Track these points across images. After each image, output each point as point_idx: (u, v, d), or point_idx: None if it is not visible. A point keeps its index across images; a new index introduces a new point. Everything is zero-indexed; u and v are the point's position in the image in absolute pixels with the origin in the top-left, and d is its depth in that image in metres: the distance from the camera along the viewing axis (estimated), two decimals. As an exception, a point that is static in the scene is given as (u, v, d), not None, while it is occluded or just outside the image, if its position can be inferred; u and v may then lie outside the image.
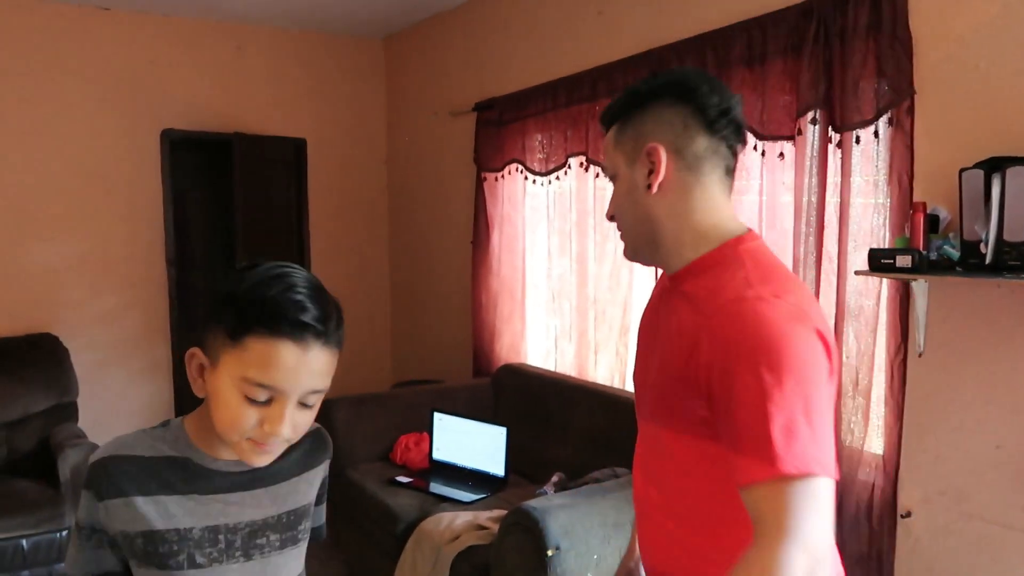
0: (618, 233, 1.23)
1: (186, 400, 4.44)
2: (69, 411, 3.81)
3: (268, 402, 1.00)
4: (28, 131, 3.99)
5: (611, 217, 1.23)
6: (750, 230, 1.17)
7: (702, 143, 1.13)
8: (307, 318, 0.99)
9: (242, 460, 1.08)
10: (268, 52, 4.63)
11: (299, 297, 1.00)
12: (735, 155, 1.17)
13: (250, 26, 4.54)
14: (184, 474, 1.09)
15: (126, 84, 4.22)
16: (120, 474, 1.06)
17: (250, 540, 1.13)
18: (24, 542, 3.15)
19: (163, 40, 4.31)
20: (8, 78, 3.93)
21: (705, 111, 1.12)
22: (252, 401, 1.00)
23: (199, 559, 1.09)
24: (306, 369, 1.00)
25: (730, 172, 1.17)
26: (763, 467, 0.96)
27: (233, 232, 4.42)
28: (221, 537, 1.11)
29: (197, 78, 4.42)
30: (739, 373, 0.99)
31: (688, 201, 1.14)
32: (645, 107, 1.15)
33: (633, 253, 1.23)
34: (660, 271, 1.25)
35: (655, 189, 1.13)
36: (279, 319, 0.98)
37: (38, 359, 3.79)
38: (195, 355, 1.06)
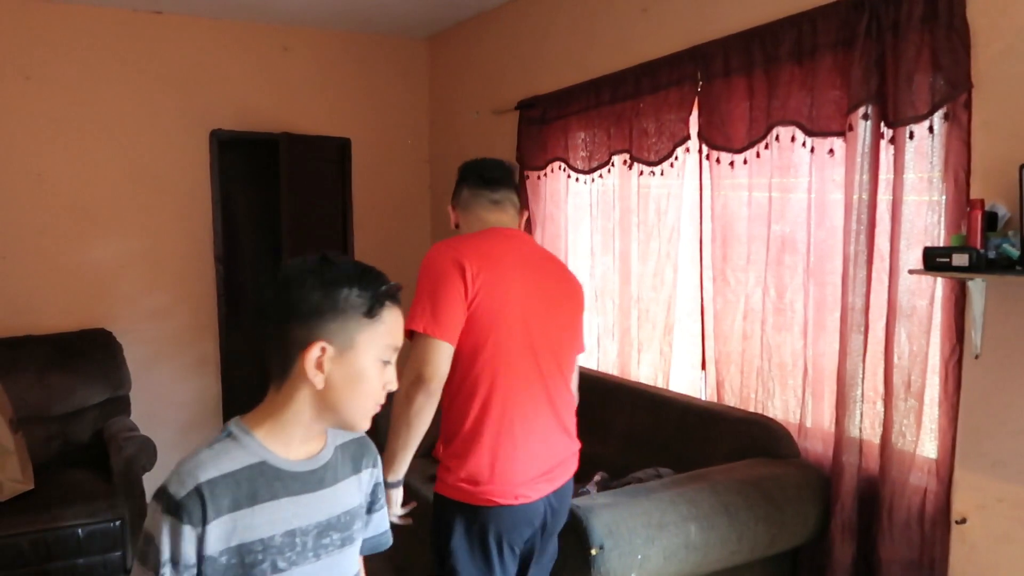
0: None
1: (233, 394, 4.53)
2: (122, 404, 3.92)
3: (387, 363, 1.17)
4: (85, 133, 4.11)
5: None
6: (512, 228, 2.09)
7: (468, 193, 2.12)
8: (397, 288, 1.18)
9: (360, 428, 1.18)
10: (314, 53, 4.69)
11: (383, 274, 1.18)
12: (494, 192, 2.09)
13: (296, 27, 4.60)
14: (264, 479, 1.12)
15: (177, 86, 4.31)
16: (218, 495, 1.07)
17: (317, 540, 1.16)
18: (80, 531, 3.24)
19: (213, 42, 4.40)
20: (66, 82, 4.05)
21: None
22: (384, 365, 1.16)
23: (280, 564, 1.12)
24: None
25: (494, 202, 2.09)
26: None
27: (279, 230, 4.50)
28: (297, 540, 1.14)
29: (245, 79, 4.50)
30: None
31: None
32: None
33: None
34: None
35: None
36: (393, 292, 1.16)
37: (93, 353, 3.90)
38: (324, 348, 1.11)
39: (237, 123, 4.45)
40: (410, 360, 1.83)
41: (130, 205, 4.24)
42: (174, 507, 1.06)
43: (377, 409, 1.18)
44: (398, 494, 1.96)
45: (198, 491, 1.06)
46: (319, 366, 1.11)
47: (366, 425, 1.18)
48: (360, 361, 1.12)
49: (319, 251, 1.16)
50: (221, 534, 1.07)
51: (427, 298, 1.84)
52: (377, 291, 1.14)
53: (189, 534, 1.06)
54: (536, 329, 1.95)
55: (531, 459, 1.90)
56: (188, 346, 4.44)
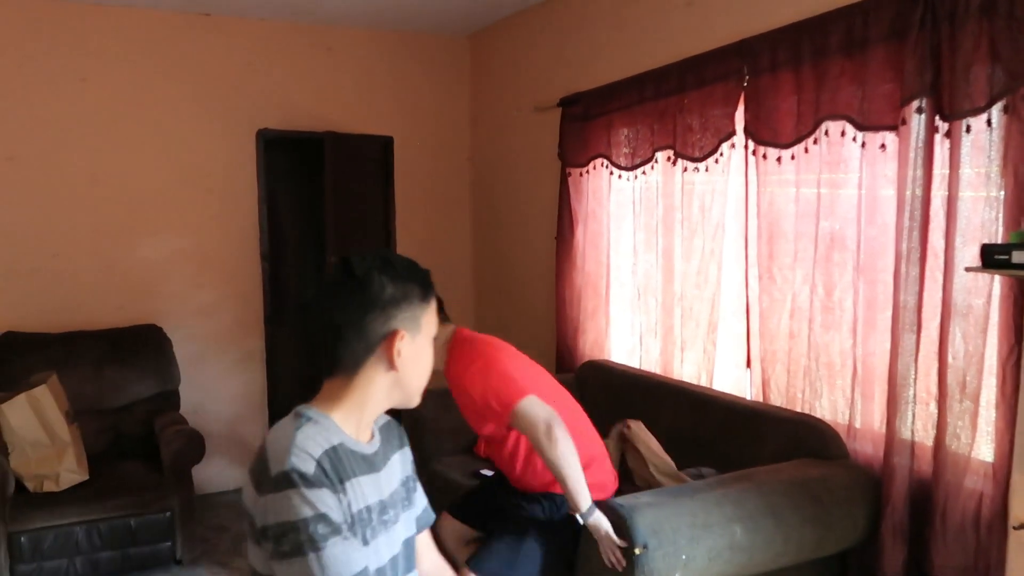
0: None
1: (278, 389, 4.61)
2: (172, 398, 4.01)
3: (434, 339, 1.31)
4: (137, 133, 4.21)
5: None
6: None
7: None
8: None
9: (417, 402, 1.29)
10: (357, 53, 4.74)
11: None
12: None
13: (340, 27, 4.65)
14: (346, 459, 1.19)
15: (225, 87, 4.40)
16: (330, 468, 1.15)
17: (380, 515, 1.23)
18: (132, 521, 3.33)
19: (259, 43, 4.47)
20: (119, 84, 4.15)
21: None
22: (433, 341, 1.30)
23: (368, 536, 1.19)
24: None
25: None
26: None
27: (322, 228, 4.55)
28: (373, 516, 1.22)
29: (290, 79, 4.57)
30: None
31: None
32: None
33: None
34: None
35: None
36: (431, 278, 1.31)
37: (144, 349, 4.00)
38: (402, 336, 1.22)
39: (282, 122, 4.52)
40: (528, 417, 2.16)
41: (179, 204, 4.34)
42: (313, 480, 1.10)
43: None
44: (603, 520, 2.09)
45: (319, 464, 1.12)
46: (399, 352, 1.21)
47: (419, 399, 1.30)
48: (423, 342, 1.27)
49: (369, 249, 1.24)
50: (344, 502, 1.15)
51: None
52: (425, 277, 1.27)
53: (330, 497, 1.11)
54: None
55: None
56: (234, 342, 4.53)
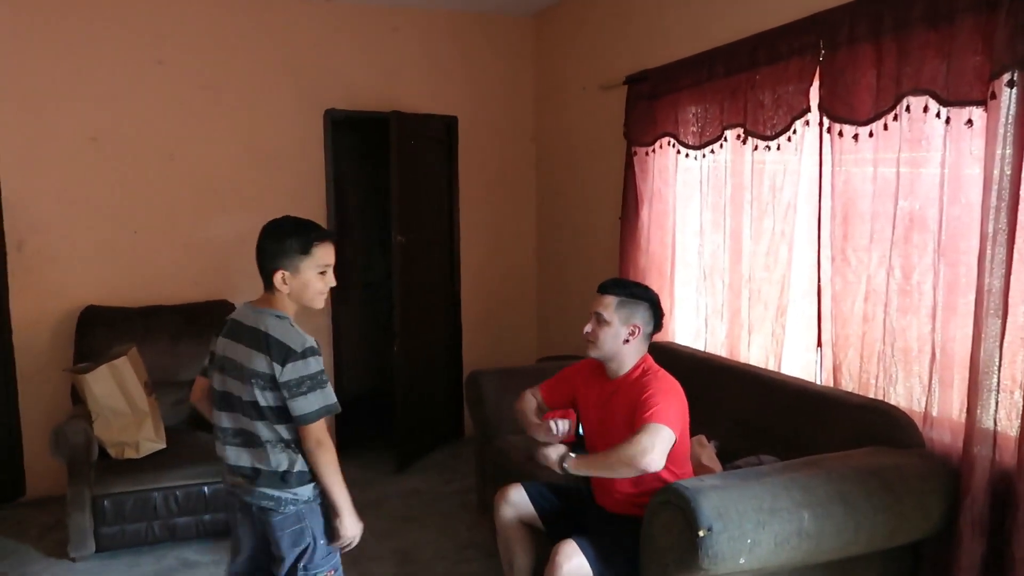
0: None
1: (344, 364, 4.69)
2: (243, 372, 4.12)
3: (323, 273, 2.14)
4: (209, 115, 4.33)
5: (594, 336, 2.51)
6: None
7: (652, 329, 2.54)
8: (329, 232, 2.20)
9: (320, 308, 2.24)
10: (422, 33, 4.76)
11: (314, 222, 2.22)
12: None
13: (405, 8, 4.67)
14: None
15: (293, 68, 4.48)
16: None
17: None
18: (205, 488, 3.46)
19: (327, 25, 4.53)
20: (194, 66, 4.27)
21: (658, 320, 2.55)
22: (321, 275, 2.14)
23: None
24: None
25: None
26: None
27: (385, 206, 4.60)
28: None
29: (356, 60, 4.62)
30: None
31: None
32: (639, 303, 2.48)
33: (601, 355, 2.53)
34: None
35: (629, 341, 2.48)
36: (328, 233, 2.21)
37: (216, 324, 4.11)
38: (283, 274, 2.11)
39: (349, 103, 4.58)
40: (648, 440, 2.27)
41: (250, 183, 4.45)
42: (318, 351, 2.06)
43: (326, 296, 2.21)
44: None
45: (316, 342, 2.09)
46: (283, 281, 2.12)
47: (320, 305, 2.21)
48: (306, 277, 2.13)
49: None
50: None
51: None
52: (317, 236, 2.14)
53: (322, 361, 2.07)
54: None
55: None
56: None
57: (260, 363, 2.01)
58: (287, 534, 2.08)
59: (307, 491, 2.08)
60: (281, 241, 2.09)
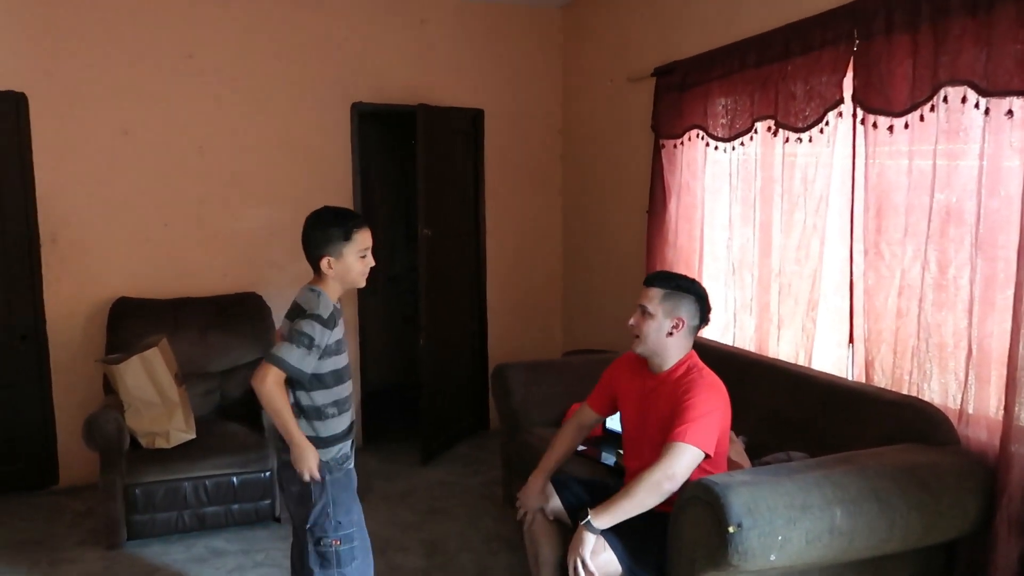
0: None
1: (371, 355, 4.72)
2: (271, 364, 4.16)
3: (363, 256, 2.31)
4: (238, 108, 4.36)
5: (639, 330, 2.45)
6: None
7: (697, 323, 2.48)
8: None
9: (362, 287, 2.42)
10: (450, 25, 4.75)
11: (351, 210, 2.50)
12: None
13: (434, 0, 4.66)
14: (336, 314, 2.32)
15: (321, 61, 4.49)
16: (335, 313, 2.31)
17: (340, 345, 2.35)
18: (234, 479, 3.50)
19: (354, 17, 4.54)
20: (223, 59, 4.30)
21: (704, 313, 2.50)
22: (362, 258, 2.31)
23: (342, 348, 2.35)
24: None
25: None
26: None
27: (411, 198, 4.60)
28: (343, 345, 2.36)
29: (384, 53, 4.62)
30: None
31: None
32: (685, 295, 2.43)
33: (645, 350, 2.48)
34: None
35: (673, 334, 2.43)
36: (364, 219, 2.39)
37: (245, 316, 4.17)
38: (329, 260, 2.27)
39: (376, 96, 4.59)
40: (677, 459, 2.25)
41: (278, 176, 4.48)
42: (327, 322, 2.22)
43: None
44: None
45: (333, 313, 2.28)
46: (328, 265, 2.27)
47: (362, 284, 2.37)
48: (348, 261, 2.28)
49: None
50: (327, 336, 2.24)
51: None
52: (357, 223, 2.31)
53: (324, 331, 2.22)
54: None
55: None
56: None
57: (285, 328, 2.28)
58: (294, 492, 2.33)
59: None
60: (324, 230, 2.25)
